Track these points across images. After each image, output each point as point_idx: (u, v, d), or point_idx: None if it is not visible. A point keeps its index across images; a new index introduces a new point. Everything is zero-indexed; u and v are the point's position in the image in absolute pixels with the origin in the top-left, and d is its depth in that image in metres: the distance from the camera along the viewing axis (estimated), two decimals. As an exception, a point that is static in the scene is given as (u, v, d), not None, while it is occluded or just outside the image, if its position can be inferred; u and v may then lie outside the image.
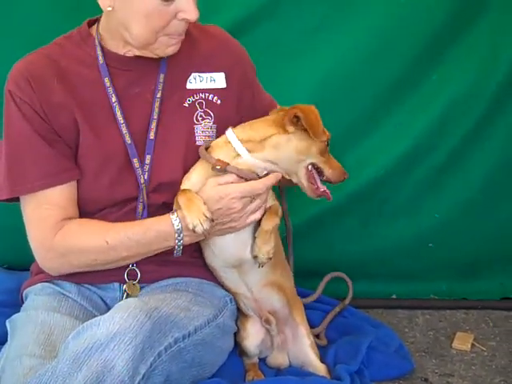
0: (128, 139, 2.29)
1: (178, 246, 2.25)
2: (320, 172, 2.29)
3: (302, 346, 2.50)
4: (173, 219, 2.22)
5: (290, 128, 2.24)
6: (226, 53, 2.43)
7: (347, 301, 2.85)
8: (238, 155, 2.25)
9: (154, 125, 2.32)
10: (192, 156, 2.32)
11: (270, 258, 2.31)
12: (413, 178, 3.21)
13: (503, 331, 3.02)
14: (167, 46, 2.26)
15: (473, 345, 2.89)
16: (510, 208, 3.26)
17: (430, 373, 2.70)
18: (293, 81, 3.02)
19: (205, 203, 2.19)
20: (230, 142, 2.27)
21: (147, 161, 2.31)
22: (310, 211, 3.15)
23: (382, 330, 2.81)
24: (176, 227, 2.21)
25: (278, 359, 2.56)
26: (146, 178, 2.31)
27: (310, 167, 2.26)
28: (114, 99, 2.30)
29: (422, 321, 3.10)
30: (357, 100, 3.13)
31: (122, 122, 2.29)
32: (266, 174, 2.28)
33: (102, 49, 2.32)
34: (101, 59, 2.30)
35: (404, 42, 3.06)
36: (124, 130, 2.30)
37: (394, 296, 3.26)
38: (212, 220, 2.18)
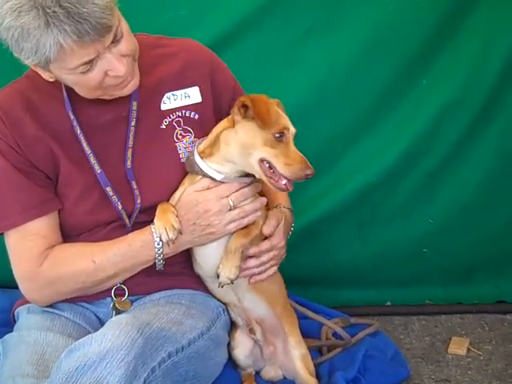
0: (98, 168, 2.29)
1: (159, 255, 2.27)
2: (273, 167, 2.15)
3: (291, 357, 2.48)
4: (152, 228, 2.26)
5: (237, 118, 2.18)
6: (197, 65, 2.41)
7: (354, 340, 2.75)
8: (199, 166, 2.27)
9: (129, 154, 2.32)
10: (179, 173, 2.34)
11: (232, 281, 2.27)
12: (406, 184, 3.22)
13: (499, 335, 3.02)
14: (120, 90, 2.22)
15: (468, 349, 2.90)
16: (503, 212, 3.27)
17: (426, 379, 2.71)
18: (282, 90, 2.98)
19: (177, 216, 2.23)
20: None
21: (134, 186, 2.32)
22: (304, 219, 3.16)
23: (377, 338, 2.81)
24: (155, 235, 2.24)
25: (270, 372, 2.55)
26: (138, 201, 2.31)
27: (265, 162, 2.15)
28: (78, 131, 2.29)
29: (417, 327, 3.11)
30: (348, 107, 3.14)
31: (89, 152, 2.29)
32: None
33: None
34: (64, 93, 2.28)
35: (393, 48, 3.07)
36: (92, 160, 2.29)
37: (388, 303, 3.27)
38: (180, 232, 2.22)
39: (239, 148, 2.19)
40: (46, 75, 2.17)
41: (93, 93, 2.20)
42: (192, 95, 2.40)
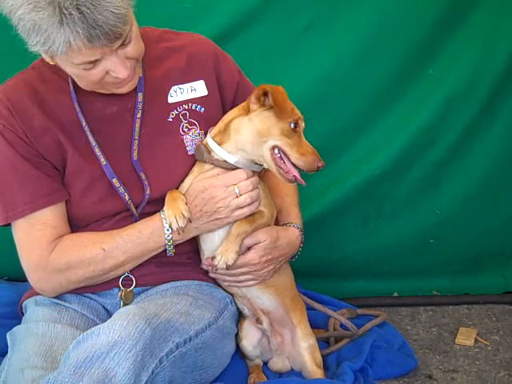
0: (103, 160, 2.30)
1: (168, 241, 2.29)
2: (287, 156, 2.19)
3: (298, 349, 2.48)
4: (162, 215, 2.28)
5: (254, 106, 2.22)
6: (202, 59, 2.43)
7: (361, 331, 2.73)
8: (212, 150, 2.29)
9: (135, 145, 2.33)
10: (186, 166, 2.36)
11: (227, 267, 2.27)
12: (412, 175, 3.22)
13: (506, 325, 3.02)
14: (117, 88, 2.24)
15: (476, 340, 2.89)
16: (510, 202, 3.27)
17: (434, 369, 2.70)
18: (286, 82, 2.93)
19: (186, 203, 2.25)
20: (207, 142, 2.32)
21: (143, 177, 2.33)
22: (310, 211, 3.16)
23: (384, 329, 2.81)
24: (164, 222, 2.26)
25: (278, 364, 2.55)
26: (148, 193, 2.33)
27: (276, 150, 2.19)
28: (84, 123, 2.30)
29: (424, 317, 3.10)
30: (353, 98, 3.14)
31: (94, 144, 2.29)
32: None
33: None
34: (71, 85, 2.29)
35: (398, 38, 3.07)
36: (98, 151, 2.30)
37: (396, 294, 3.26)
38: (189, 220, 2.24)
39: (253, 136, 2.21)
40: (48, 59, 2.18)
41: (91, 86, 2.22)
42: (198, 89, 2.41)
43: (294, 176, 2.19)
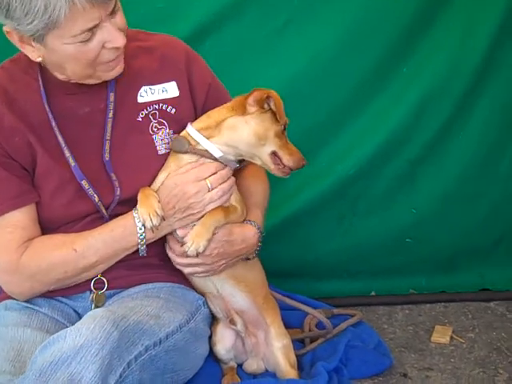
0: (72, 162, 2.28)
1: (141, 240, 2.28)
2: (279, 157, 2.28)
3: (271, 349, 2.47)
4: (134, 213, 2.27)
5: (251, 109, 2.26)
6: (174, 60, 2.42)
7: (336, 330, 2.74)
8: (198, 143, 2.30)
9: (107, 146, 2.32)
10: (157, 165, 2.34)
11: (197, 254, 2.26)
12: (387, 173, 3.22)
13: (482, 323, 3.02)
14: (109, 71, 2.24)
15: (452, 337, 2.90)
16: (486, 200, 3.27)
17: (408, 368, 2.70)
18: (261, 81, 2.97)
19: (159, 201, 2.25)
20: (189, 134, 2.32)
21: (114, 177, 2.32)
22: (285, 211, 3.16)
23: (360, 328, 2.81)
24: (137, 220, 2.25)
25: (253, 365, 2.54)
26: (118, 193, 2.31)
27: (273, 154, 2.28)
28: (53, 124, 2.28)
29: (401, 316, 3.11)
30: (327, 97, 3.13)
31: (63, 145, 2.28)
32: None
33: (45, 74, 2.28)
34: (41, 85, 2.28)
35: (373, 37, 3.07)
36: (67, 153, 2.28)
37: (373, 293, 3.26)
38: (163, 218, 2.24)
39: (250, 137, 2.26)
40: (34, 53, 2.16)
41: (85, 71, 2.19)
42: (170, 90, 2.41)
43: (290, 169, 2.28)
